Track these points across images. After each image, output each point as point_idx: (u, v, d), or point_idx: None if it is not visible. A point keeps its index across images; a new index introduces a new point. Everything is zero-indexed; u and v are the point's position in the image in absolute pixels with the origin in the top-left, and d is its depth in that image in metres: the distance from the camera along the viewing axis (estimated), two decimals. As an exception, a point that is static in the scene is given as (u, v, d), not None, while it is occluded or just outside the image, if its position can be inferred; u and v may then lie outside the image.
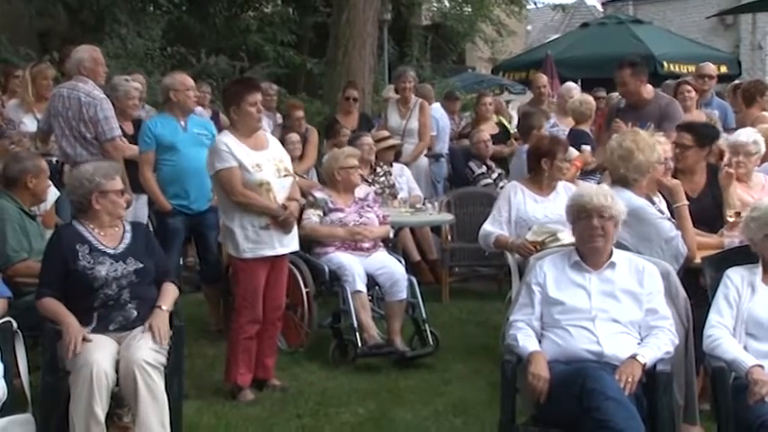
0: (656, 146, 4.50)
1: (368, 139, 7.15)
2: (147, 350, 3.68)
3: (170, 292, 4.02)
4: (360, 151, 6.46)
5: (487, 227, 5.30)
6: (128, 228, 4.08)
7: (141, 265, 3.94)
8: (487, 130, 8.39)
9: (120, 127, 6.03)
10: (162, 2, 13.37)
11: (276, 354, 5.11)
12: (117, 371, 3.65)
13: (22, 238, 4.62)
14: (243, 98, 4.69)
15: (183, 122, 5.70)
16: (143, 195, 6.09)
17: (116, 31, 12.09)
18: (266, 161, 4.73)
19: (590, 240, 3.64)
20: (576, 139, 7.17)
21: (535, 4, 22.71)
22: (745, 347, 3.49)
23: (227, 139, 4.71)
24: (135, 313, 3.88)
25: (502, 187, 6.69)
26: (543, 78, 9.18)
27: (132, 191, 5.59)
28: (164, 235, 5.46)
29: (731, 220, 4.72)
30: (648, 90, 6.24)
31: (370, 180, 6.98)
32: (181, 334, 3.93)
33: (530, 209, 5.25)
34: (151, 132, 5.63)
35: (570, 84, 9.04)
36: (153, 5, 13.96)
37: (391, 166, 7.46)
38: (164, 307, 3.90)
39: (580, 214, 3.65)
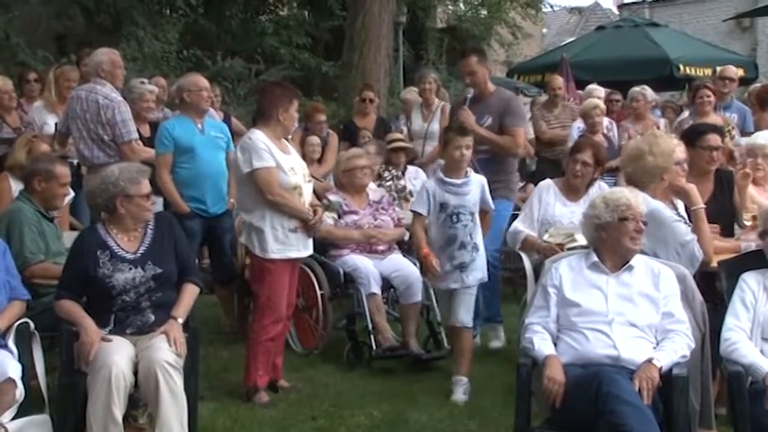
0: (673, 153, 4.44)
1: (371, 148, 7.04)
2: (168, 351, 3.67)
3: (188, 297, 3.98)
4: (365, 151, 6.43)
5: (518, 225, 5.22)
6: (150, 225, 4.04)
7: (160, 271, 3.91)
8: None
9: (137, 130, 6.05)
10: (179, 5, 13.44)
11: (284, 354, 5.11)
12: (134, 373, 3.66)
13: (38, 240, 4.63)
14: (292, 102, 4.76)
15: (199, 124, 5.71)
16: (158, 198, 6.08)
17: (133, 33, 12.16)
18: (296, 165, 4.77)
19: (633, 243, 3.66)
20: None
21: (551, 6, 22.59)
22: (762, 351, 3.48)
23: (264, 139, 4.66)
24: (152, 318, 3.87)
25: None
26: (559, 80, 9.09)
27: (149, 193, 5.61)
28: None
29: (748, 224, 4.69)
30: (490, 84, 6.05)
31: (377, 184, 6.94)
32: (196, 336, 3.94)
33: (557, 211, 5.14)
34: (169, 134, 5.60)
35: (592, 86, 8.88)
36: (169, 8, 14.04)
37: (405, 169, 7.45)
38: (179, 319, 3.87)
39: (626, 215, 3.65)
